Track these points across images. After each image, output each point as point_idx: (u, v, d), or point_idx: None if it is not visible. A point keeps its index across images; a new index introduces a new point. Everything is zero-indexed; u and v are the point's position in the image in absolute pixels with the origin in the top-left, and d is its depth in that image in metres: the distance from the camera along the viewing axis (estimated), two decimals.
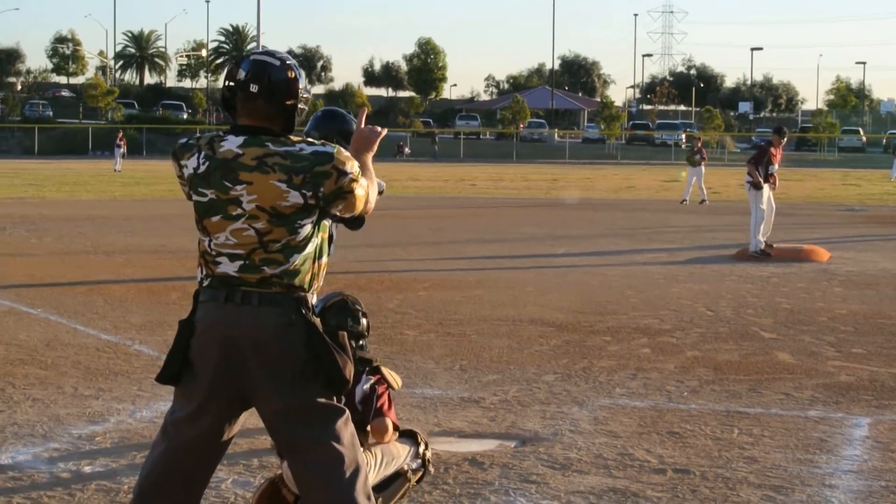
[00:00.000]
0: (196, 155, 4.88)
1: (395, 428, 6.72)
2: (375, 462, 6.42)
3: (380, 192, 5.54)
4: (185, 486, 4.94)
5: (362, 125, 5.23)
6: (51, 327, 12.43)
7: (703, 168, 37.84)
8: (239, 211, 4.79)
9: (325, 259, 4.99)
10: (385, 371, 6.81)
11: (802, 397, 9.51)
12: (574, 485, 7.13)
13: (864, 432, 8.47)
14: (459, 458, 7.61)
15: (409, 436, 6.86)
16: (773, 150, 20.66)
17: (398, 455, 6.61)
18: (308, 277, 4.87)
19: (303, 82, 4.95)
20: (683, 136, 45.79)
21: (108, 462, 7.51)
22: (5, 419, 8.53)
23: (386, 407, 6.67)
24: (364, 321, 6.90)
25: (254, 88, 4.84)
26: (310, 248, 4.87)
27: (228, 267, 4.83)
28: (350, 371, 4.86)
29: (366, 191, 4.98)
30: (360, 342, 6.89)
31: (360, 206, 4.98)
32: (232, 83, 4.90)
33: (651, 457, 7.71)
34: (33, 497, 6.82)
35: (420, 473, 6.78)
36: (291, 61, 4.94)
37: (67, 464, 7.48)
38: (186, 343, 4.87)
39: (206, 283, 4.90)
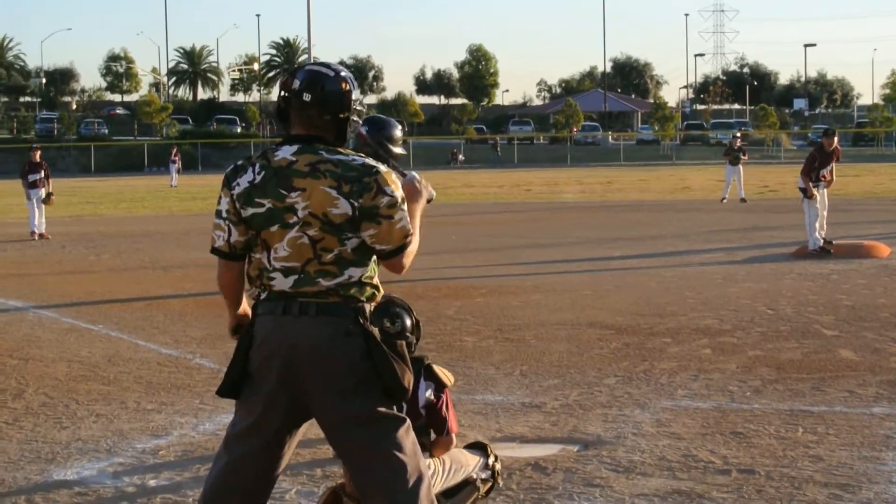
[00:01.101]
0: (251, 168, 4.90)
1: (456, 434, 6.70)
2: (443, 469, 6.40)
3: (429, 200, 5.53)
4: (249, 498, 4.95)
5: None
6: (112, 343, 12.52)
7: (741, 167, 37.24)
8: (294, 219, 4.80)
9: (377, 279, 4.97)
10: (437, 369, 6.73)
11: (867, 394, 9.42)
12: (638, 488, 7.09)
13: None
14: (522, 464, 7.59)
15: (478, 447, 6.83)
16: (825, 151, 20.56)
17: (466, 464, 6.58)
18: (366, 290, 4.87)
19: (356, 94, 4.96)
20: (739, 134, 45.26)
21: (172, 475, 7.55)
22: (70, 435, 8.60)
23: (451, 423, 6.63)
24: (408, 321, 6.65)
25: (307, 98, 4.86)
26: (365, 264, 4.87)
27: (283, 283, 4.84)
28: (409, 380, 4.86)
29: (405, 226, 4.86)
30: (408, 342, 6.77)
31: (395, 239, 4.84)
32: (286, 93, 4.92)
33: (715, 458, 7.65)
34: None
35: (489, 485, 6.75)
36: (346, 74, 4.96)
37: (132, 478, 7.52)
38: (245, 356, 4.89)
39: (263, 296, 4.91)
